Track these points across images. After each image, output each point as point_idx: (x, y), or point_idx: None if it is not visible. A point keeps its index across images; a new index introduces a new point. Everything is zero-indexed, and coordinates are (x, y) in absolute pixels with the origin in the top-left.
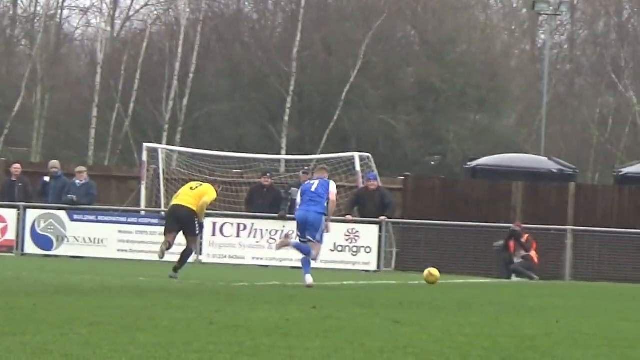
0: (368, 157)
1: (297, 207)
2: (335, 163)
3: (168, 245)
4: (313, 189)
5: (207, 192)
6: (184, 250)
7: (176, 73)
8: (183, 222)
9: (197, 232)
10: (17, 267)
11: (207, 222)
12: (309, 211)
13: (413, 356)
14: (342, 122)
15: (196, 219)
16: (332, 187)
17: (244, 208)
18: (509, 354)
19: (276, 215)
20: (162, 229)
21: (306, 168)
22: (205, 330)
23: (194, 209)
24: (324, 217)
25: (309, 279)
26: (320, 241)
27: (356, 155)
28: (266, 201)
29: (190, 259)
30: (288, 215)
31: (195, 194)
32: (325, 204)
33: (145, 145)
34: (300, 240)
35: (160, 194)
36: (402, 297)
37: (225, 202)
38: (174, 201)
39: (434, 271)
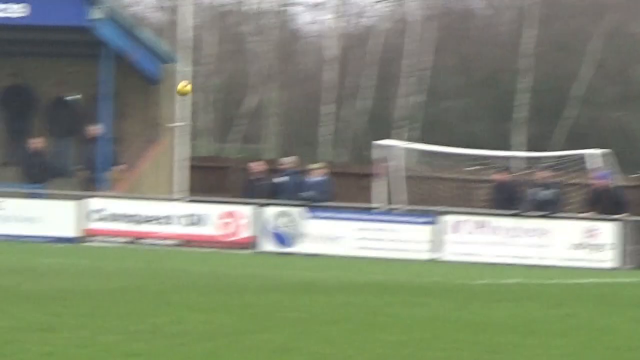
0: (608, 154)
1: None
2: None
3: None
4: None
5: None
6: None
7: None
8: None
9: None
10: (252, 265)
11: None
12: None
13: None
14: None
15: None
16: None
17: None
18: None
19: None
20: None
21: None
22: (447, 329)
23: None
24: None
25: None
26: None
27: (594, 152)
28: None
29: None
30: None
31: None
32: None
33: (375, 143)
34: None
35: (404, 189)
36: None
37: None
38: None
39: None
